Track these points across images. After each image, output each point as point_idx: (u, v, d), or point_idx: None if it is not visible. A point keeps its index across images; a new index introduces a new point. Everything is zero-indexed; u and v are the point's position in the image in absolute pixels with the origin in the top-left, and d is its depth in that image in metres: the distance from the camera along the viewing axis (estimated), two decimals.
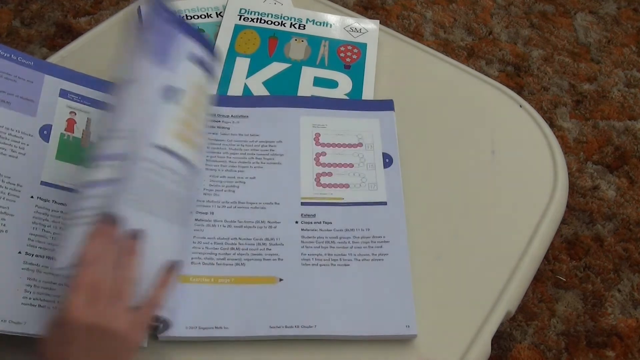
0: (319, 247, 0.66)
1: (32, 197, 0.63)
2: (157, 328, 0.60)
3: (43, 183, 0.65)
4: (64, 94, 0.70)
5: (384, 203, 0.69)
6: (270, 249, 0.66)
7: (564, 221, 1.23)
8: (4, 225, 0.61)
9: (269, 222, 0.67)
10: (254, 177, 0.70)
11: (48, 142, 0.67)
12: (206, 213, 0.67)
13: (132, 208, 0.55)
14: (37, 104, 0.68)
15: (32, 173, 0.64)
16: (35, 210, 0.63)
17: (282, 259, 0.65)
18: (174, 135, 0.60)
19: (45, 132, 0.67)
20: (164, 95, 0.60)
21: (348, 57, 0.83)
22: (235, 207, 0.68)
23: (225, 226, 0.66)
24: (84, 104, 0.71)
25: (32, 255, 0.61)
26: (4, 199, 0.62)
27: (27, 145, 0.66)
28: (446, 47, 1.59)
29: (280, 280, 0.63)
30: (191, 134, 0.63)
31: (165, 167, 0.59)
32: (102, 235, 0.53)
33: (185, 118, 0.62)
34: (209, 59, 0.67)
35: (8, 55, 0.69)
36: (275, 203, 0.69)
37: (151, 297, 0.54)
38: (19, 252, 0.61)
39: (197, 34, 0.66)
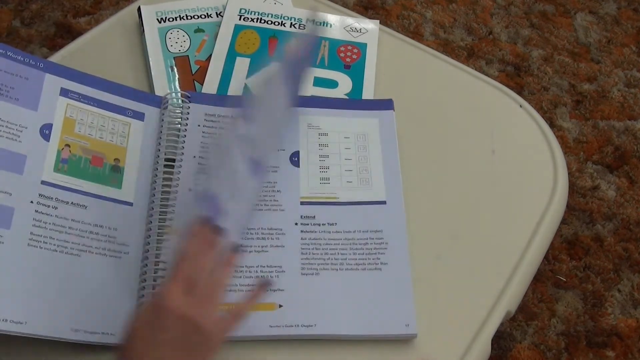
0: (319, 248, 0.66)
1: (33, 195, 0.63)
2: None
3: (44, 182, 0.65)
4: (64, 92, 0.70)
5: (384, 202, 0.69)
6: (269, 251, 0.65)
7: (564, 221, 1.23)
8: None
9: (269, 228, 0.67)
10: None
11: (49, 141, 0.67)
12: None
13: (232, 223, 0.56)
14: (37, 103, 0.68)
15: (32, 171, 0.65)
16: (35, 209, 0.63)
17: (282, 259, 0.65)
18: None
19: (46, 132, 0.67)
20: None
21: (348, 57, 0.83)
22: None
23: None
24: (85, 102, 0.71)
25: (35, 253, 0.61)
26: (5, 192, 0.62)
27: (29, 143, 0.66)
28: (446, 47, 1.59)
29: (280, 306, 0.62)
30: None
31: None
32: (204, 238, 0.54)
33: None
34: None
35: (7, 53, 0.69)
36: (275, 202, 0.68)
37: (239, 307, 0.56)
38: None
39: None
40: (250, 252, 0.65)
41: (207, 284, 0.52)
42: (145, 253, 0.64)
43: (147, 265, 0.63)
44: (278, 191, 0.69)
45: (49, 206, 0.64)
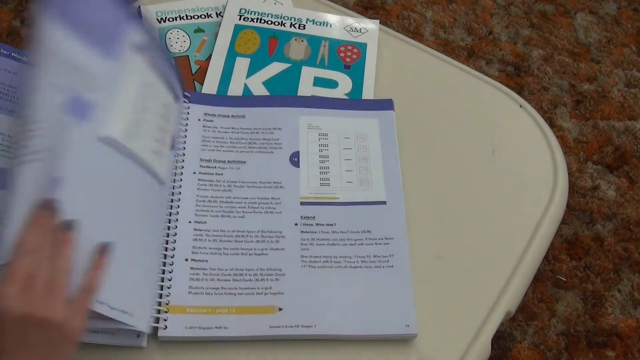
0: (319, 248, 0.66)
1: None
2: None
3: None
4: None
5: (384, 202, 0.69)
6: (268, 254, 0.65)
7: (564, 221, 1.23)
8: None
9: (269, 231, 0.67)
10: (253, 176, 0.70)
11: None
12: (202, 222, 0.67)
13: (69, 193, 0.53)
14: None
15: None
16: None
17: (281, 262, 0.65)
18: (121, 129, 0.59)
19: None
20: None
21: (348, 57, 0.83)
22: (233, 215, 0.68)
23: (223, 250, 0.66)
24: None
25: None
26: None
27: None
28: (446, 47, 1.59)
29: (280, 309, 0.62)
30: (141, 134, 0.61)
31: (107, 158, 0.57)
32: (39, 224, 0.51)
33: (132, 117, 0.61)
34: (160, 54, 0.65)
35: (10, 53, 0.69)
36: (275, 203, 0.68)
37: (86, 283, 0.53)
38: None
39: (137, 17, 0.63)
40: (250, 255, 0.65)
41: (47, 272, 0.50)
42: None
43: None
44: (278, 195, 0.69)
45: None
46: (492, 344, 0.63)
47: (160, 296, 0.62)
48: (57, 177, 0.53)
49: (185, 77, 0.80)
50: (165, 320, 0.60)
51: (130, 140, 0.61)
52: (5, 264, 0.50)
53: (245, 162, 0.71)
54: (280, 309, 0.62)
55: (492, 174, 0.75)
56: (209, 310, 0.62)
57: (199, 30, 0.85)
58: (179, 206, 0.67)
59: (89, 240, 0.54)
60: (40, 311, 0.48)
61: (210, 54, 0.82)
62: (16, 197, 0.53)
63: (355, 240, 0.66)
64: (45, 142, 0.54)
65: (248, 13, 0.87)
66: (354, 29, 0.87)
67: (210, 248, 0.65)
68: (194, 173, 0.70)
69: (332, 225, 0.68)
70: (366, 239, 0.67)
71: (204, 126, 0.73)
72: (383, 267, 0.65)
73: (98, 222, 0.56)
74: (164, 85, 0.68)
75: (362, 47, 0.85)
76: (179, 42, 0.83)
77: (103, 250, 0.55)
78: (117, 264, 0.56)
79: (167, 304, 0.61)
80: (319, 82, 0.81)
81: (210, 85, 0.79)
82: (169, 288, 0.62)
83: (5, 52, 0.69)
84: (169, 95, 0.70)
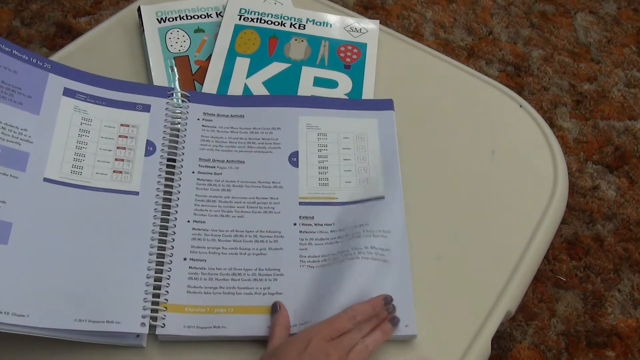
0: (317, 248, 0.66)
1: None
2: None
3: (46, 180, 0.65)
4: (67, 92, 0.70)
5: (382, 197, 0.69)
6: (267, 254, 0.65)
7: (564, 221, 1.23)
8: None
9: (268, 231, 0.67)
10: (256, 175, 0.70)
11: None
12: (201, 222, 0.67)
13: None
14: (40, 102, 0.68)
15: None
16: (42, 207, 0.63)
17: (280, 262, 0.65)
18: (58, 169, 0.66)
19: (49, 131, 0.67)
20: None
21: (348, 57, 0.83)
22: (233, 212, 0.68)
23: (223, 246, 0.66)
24: (88, 102, 0.71)
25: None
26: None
27: (32, 143, 0.66)
28: (446, 47, 1.59)
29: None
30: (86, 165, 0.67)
31: (59, 195, 0.64)
32: (376, 307, 0.61)
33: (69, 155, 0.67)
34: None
35: (11, 50, 0.69)
36: (274, 203, 0.68)
37: None
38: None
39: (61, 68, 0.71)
40: (249, 254, 0.65)
41: (356, 342, 0.58)
42: (152, 241, 0.64)
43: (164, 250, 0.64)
44: (277, 195, 0.69)
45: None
46: (492, 344, 0.63)
47: (159, 295, 0.62)
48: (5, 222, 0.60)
49: (186, 77, 0.80)
50: (163, 318, 0.60)
51: (74, 175, 0.66)
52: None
53: (244, 161, 0.71)
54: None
55: (492, 174, 0.75)
56: (207, 310, 0.62)
57: (199, 30, 0.85)
58: (177, 205, 0.67)
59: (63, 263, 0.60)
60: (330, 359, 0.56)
61: (210, 54, 0.82)
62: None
63: (354, 240, 0.66)
64: None
65: (248, 13, 0.87)
66: (354, 29, 0.87)
67: (209, 247, 0.65)
68: (193, 172, 0.70)
69: (330, 225, 0.68)
70: (364, 231, 0.66)
71: (203, 126, 0.73)
72: (383, 267, 0.64)
73: (67, 249, 0.62)
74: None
75: (362, 47, 0.85)
76: (179, 42, 0.83)
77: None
78: (97, 281, 0.61)
79: (165, 303, 0.61)
80: (319, 82, 0.81)
81: (210, 85, 0.79)
82: (167, 287, 0.62)
83: (7, 49, 0.69)
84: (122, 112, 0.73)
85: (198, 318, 0.61)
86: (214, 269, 0.64)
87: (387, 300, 0.62)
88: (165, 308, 0.61)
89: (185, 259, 0.64)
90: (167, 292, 0.62)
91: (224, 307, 0.62)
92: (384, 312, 0.61)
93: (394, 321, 0.61)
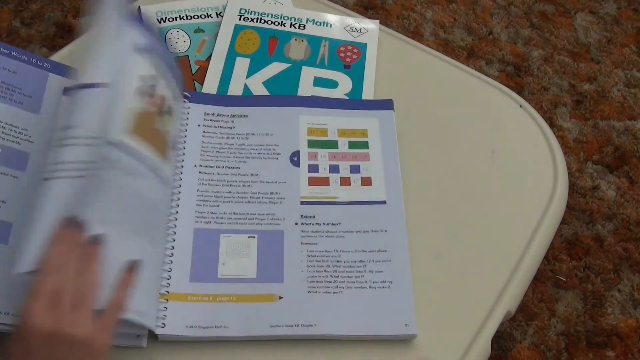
0: (318, 248, 0.66)
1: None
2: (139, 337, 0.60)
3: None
4: (68, 92, 0.70)
5: (384, 202, 0.69)
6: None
7: (564, 221, 1.23)
8: None
9: (272, 220, 0.67)
10: (256, 175, 0.70)
11: None
12: (205, 219, 0.67)
13: (95, 211, 0.54)
14: (40, 102, 0.68)
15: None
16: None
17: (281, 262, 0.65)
18: (129, 130, 0.60)
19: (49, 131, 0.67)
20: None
21: (348, 57, 0.83)
22: (234, 206, 0.68)
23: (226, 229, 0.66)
24: None
25: None
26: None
27: (32, 143, 0.66)
28: (446, 47, 1.59)
29: (280, 298, 0.62)
30: (151, 131, 0.62)
31: (122, 165, 0.58)
32: (65, 240, 0.51)
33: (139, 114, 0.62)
34: (160, 52, 0.66)
35: (9, 52, 0.69)
36: (276, 202, 0.69)
37: (114, 299, 0.53)
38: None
39: (140, 22, 0.65)
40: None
41: (75, 289, 0.49)
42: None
43: None
44: (278, 191, 0.69)
45: None
46: (492, 344, 0.63)
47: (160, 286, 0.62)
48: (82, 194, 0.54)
49: (185, 77, 0.80)
50: (165, 309, 0.60)
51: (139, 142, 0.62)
52: (27, 272, 0.51)
53: (245, 161, 0.71)
54: (280, 297, 0.62)
55: (492, 174, 0.75)
56: (210, 298, 0.62)
57: (199, 30, 0.85)
58: (179, 199, 0.67)
59: (115, 255, 0.55)
60: (68, 328, 0.48)
61: (210, 54, 0.82)
62: (42, 211, 0.54)
63: (354, 240, 0.66)
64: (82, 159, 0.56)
65: (248, 13, 0.87)
66: (354, 29, 0.87)
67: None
68: (194, 166, 0.70)
69: (332, 224, 0.68)
70: (366, 238, 0.67)
71: (203, 126, 0.73)
72: (383, 267, 0.65)
73: (119, 235, 0.56)
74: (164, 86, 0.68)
75: (362, 47, 0.85)
76: (179, 42, 0.83)
77: (132, 267, 0.55)
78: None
79: (167, 293, 0.61)
80: (319, 82, 0.81)
81: (210, 86, 0.79)
82: (168, 279, 0.62)
83: (6, 50, 0.69)
84: (169, 96, 0.70)
85: (200, 309, 0.61)
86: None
87: (71, 222, 0.53)
88: (167, 299, 0.61)
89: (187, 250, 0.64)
90: (169, 284, 0.62)
91: (226, 295, 0.62)
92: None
93: (94, 241, 0.53)
